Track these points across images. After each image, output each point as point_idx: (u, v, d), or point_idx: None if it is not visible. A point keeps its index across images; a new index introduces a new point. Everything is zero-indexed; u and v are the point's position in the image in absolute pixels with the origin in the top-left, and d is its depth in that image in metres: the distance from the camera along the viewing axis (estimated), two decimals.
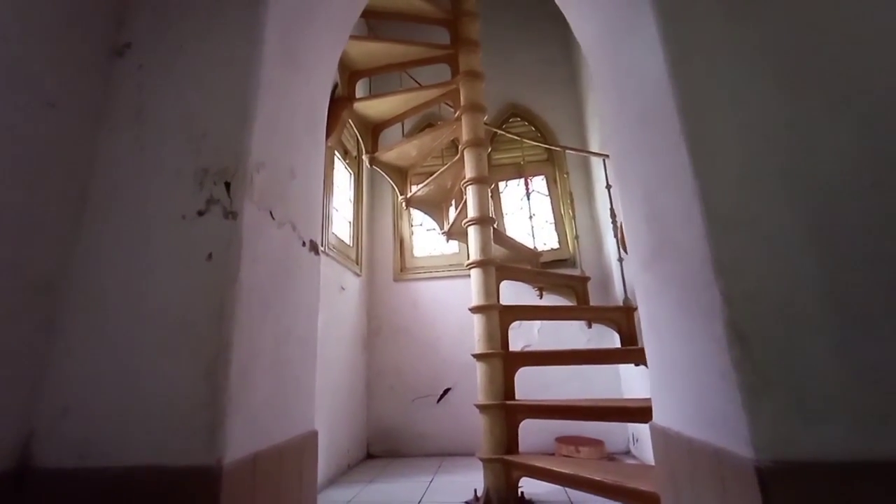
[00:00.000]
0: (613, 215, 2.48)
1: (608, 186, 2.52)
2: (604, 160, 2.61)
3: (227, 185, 0.98)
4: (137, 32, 1.14)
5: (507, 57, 3.68)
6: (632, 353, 1.99)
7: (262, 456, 0.94)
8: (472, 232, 2.19)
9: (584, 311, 2.36)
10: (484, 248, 2.15)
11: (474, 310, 2.08)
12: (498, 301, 2.10)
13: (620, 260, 2.41)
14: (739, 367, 0.71)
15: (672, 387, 0.99)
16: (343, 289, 2.76)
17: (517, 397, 1.97)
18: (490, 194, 2.87)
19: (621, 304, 2.33)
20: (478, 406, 1.95)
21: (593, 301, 2.63)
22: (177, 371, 0.87)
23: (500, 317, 2.06)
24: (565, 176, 2.97)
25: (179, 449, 0.82)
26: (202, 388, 0.85)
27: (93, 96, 1.07)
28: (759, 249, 0.76)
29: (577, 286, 2.60)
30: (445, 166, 2.63)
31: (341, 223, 2.95)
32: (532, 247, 2.92)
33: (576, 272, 2.89)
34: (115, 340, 0.90)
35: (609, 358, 2.31)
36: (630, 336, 2.20)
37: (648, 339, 1.13)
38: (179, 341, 0.89)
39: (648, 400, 1.75)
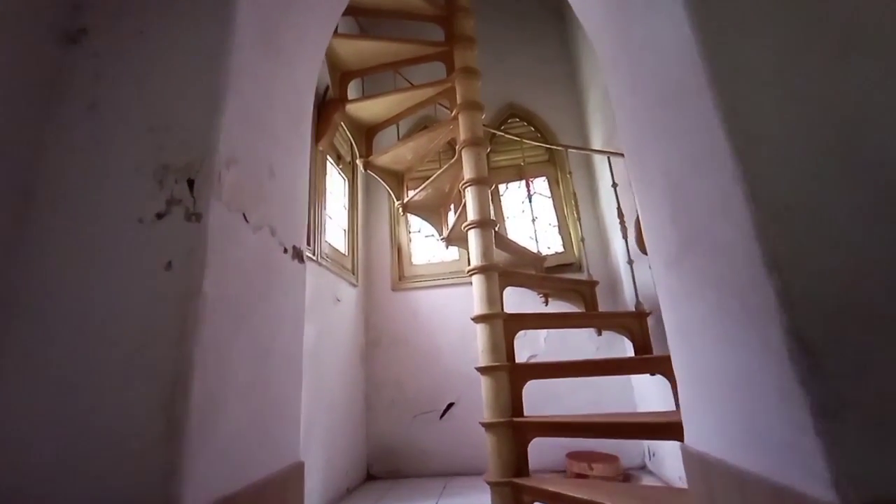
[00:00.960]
0: (621, 215, 2.36)
1: (614, 185, 2.40)
2: (608, 158, 2.49)
3: (191, 182, 0.85)
4: (94, 17, 1.02)
5: (504, 57, 3.58)
6: (648, 362, 1.85)
7: (235, 499, 0.80)
8: (473, 236, 2.06)
9: (594, 317, 2.22)
10: (485, 252, 2.02)
11: (477, 319, 1.94)
12: (502, 309, 1.97)
13: (630, 262, 2.28)
14: (806, 383, 0.58)
15: (709, 404, 0.85)
16: (339, 300, 2.63)
17: (525, 412, 1.83)
18: (490, 197, 2.76)
19: (633, 308, 2.19)
20: (483, 424, 1.80)
21: (602, 306, 2.49)
22: (129, 400, 0.74)
23: (504, 326, 1.92)
24: (568, 176, 2.84)
25: (129, 497, 0.68)
26: (158, 420, 0.72)
27: (42, 87, 0.94)
28: (821, 238, 0.63)
29: (584, 291, 2.46)
30: (442, 169, 2.51)
31: (336, 231, 2.83)
32: (536, 251, 2.79)
33: (582, 276, 2.76)
34: (58, 364, 0.77)
35: (623, 368, 2.16)
36: (643, 343, 2.06)
37: (676, 348, 1.00)
38: (133, 365, 0.75)
39: (670, 413, 1.61)
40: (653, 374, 1.97)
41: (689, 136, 0.83)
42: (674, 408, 1.77)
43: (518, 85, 3.55)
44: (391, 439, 2.89)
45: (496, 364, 1.85)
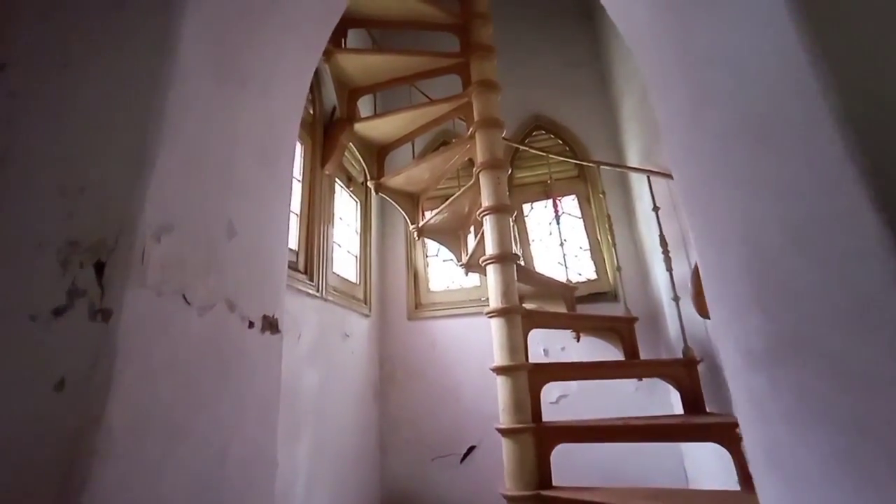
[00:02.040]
0: (664, 243, 2.05)
1: (655, 209, 2.10)
2: (647, 177, 2.19)
3: (99, 266, 0.64)
4: (15, 49, 0.84)
5: (527, 62, 3.31)
6: (709, 429, 1.53)
7: None
8: (492, 272, 1.81)
9: (634, 366, 1.93)
10: (506, 291, 1.76)
11: (498, 371, 1.69)
12: (526, 358, 1.71)
13: (676, 299, 1.97)
14: None
15: None
16: (347, 335, 2.42)
17: (555, 481, 1.56)
18: (514, 219, 2.50)
19: (679, 353, 1.88)
20: (506, 498, 1.54)
21: (641, 344, 2.18)
22: None
23: (529, 378, 1.66)
24: (601, 196, 2.54)
25: None
26: None
27: None
28: None
29: (622, 329, 2.16)
30: (460, 191, 2.27)
31: (346, 259, 2.63)
32: (565, 279, 2.51)
33: (617, 308, 2.46)
34: None
35: (673, 433, 1.79)
36: (694, 397, 1.76)
37: (762, 477, 0.72)
38: None
39: None
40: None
41: (795, 192, 0.56)
42: (736, 487, 1.46)
43: (543, 93, 3.27)
44: (407, 483, 2.65)
45: (520, 426, 1.59)
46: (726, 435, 1.47)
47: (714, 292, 0.82)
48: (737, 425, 0.91)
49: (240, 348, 0.88)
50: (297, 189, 2.13)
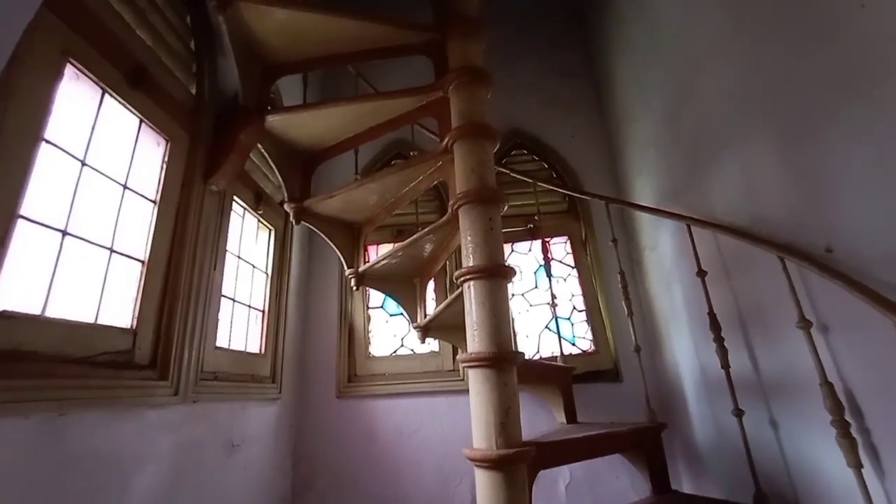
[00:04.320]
0: (716, 324, 1.42)
1: (701, 273, 1.47)
2: (688, 226, 1.56)
3: None
4: None
5: (505, 66, 2.65)
6: None
7: None
8: (479, 380, 1.05)
9: None
10: (503, 427, 1.01)
11: (480, 462, 0.93)
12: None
13: (739, 413, 1.32)
14: None
15: None
16: (237, 445, 1.55)
17: None
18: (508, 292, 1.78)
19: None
20: None
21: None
22: None
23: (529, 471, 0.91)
24: (612, 243, 1.89)
25: None
26: None
27: None
28: None
29: (646, 443, 1.50)
30: (423, 232, 1.51)
31: (244, 320, 1.76)
32: (560, 357, 1.83)
33: (621, 392, 1.82)
34: None
35: None
36: None
37: None
38: None
39: None
40: None
41: None
42: None
43: (524, 104, 2.62)
44: None
45: None
46: None
47: None
48: None
49: None
50: (146, 213, 1.26)
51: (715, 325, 1.43)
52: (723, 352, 1.40)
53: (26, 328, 0.87)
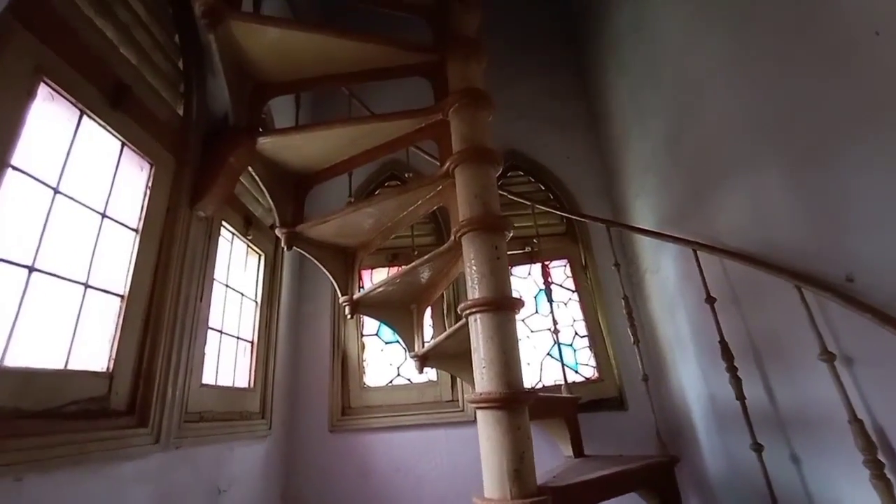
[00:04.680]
0: (729, 354, 1.36)
1: (710, 300, 1.42)
2: (695, 252, 1.52)
3: None
4: None
5: (504, 88, 2.63)
6: None
7: None
8: (489, 421, 0.98)
9: None
10: (519, 474, 0.93)
11: None
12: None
13: (758, 448, 1.26)
14: None
15: None
16: (223, 491, 1.43)
17: None
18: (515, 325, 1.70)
19: None
20: None
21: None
22: None
23: None
24: (614, 268, 1.84)
25: None
26: None
27: None
28: None
29: (659, 479, 1.43)
30: (423, 259, 1.44)
31: (229, 353, 1.65)
32: (564, 387, 1.76)
33: (626, 420, 1.75)
34: None
35: None
36: None
37: None
38: None
39: None
40: None
41: None
42: None
43: (521, 126, 2.60)
44: None
45: None
46: None
47: None
48: None
49: None
50: (127, 243, 1.17)
51: (727, 354, 1.37)
52: (737, 382, 1.34)
53: None
